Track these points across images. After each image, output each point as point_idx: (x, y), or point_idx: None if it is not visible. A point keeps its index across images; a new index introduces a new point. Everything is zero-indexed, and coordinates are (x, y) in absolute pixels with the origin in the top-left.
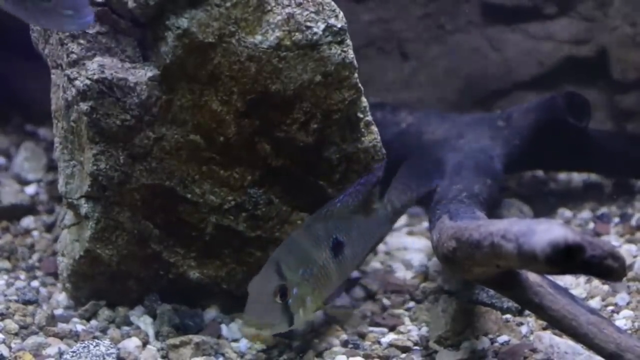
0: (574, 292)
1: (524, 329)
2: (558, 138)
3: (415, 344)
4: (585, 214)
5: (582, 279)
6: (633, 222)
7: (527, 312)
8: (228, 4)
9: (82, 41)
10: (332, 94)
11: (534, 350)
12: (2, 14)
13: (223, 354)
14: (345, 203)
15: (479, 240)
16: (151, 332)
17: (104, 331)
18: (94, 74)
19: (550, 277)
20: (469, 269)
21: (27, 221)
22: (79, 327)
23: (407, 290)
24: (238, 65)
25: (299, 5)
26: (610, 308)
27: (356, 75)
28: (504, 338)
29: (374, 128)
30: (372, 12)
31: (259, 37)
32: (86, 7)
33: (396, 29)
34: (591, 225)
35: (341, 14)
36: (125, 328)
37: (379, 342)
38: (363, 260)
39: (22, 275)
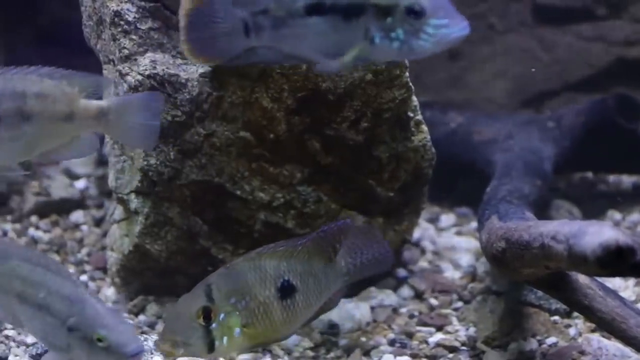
0: (623, 294)
1: (572, 331)
2: (608, 140)
3: (463, 344)
4: (635, 216)
5: (632, 281)
6: None
7: (575, 314)
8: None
9: (134, 37)
10: (383, 92)
11: (582, 353)
12: (54, 8)
13: (270, 351)
14: (306, 248)
15: (529, 241)
16: None
17: (152, 326)
18: (146, 69)
19: (599, 279)
20: (518, 269)
21: (77, 215)
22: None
23: (455, 290)
24: None
25: None
26: None
27: (407, 74)
28: (552, 340)
29: (424, 127)
30: None
31: None
32: (459, 15)
33: None
34: None
35: None
36: None
37: (426, 342)
38: (317, 313)
39: (71, 269)
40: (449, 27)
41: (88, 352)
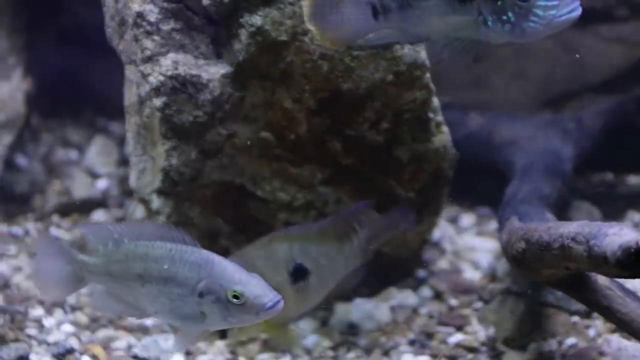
0: None
1: (591, 332)
2: (628, 141)
3: (482, 344)
4: None
5: None
6: None
7: (595, 314)
8: (302, 2)
9: (156, 37)
10: (404, 93)
11: (602, 353)
12: (77, 8)
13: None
14: (322, 230)
15: (549, 242)
16: None
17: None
18: (168, 70)
19: (619, 281)
20: (538, 270)
21: (98, 215)
22: (148, 321)
23: (474, 291)
24: (310, 63)
25: None
26: None
27: (428, 75)
28: (571, 340)
29: (445, 128)
30: None
31: None
32: None
33: None
34: None
35: None
36: None
37: (445, 342)
38: (331, 292)
39: None
40: (558, 8)
41: (224, 314)
